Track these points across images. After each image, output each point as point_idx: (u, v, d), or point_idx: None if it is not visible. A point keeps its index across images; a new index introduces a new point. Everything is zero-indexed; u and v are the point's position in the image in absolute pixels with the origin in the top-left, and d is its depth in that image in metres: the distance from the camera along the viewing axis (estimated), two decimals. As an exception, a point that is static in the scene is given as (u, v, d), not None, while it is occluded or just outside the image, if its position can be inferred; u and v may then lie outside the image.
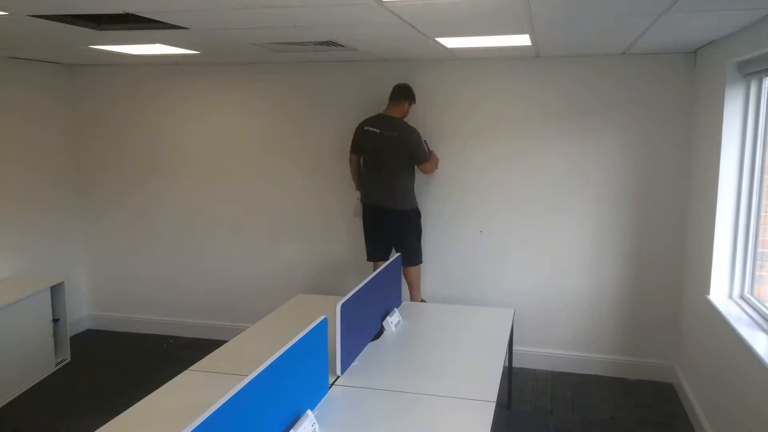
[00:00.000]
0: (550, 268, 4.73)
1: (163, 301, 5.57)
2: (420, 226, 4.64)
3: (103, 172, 5.54)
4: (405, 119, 4.48)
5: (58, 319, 4.85)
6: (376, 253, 4.64)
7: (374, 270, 4.41)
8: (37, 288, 4.61)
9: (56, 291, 4.82)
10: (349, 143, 4.77)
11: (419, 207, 4.65)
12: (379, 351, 3.26)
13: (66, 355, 4.95)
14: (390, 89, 4.65)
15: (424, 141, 4.53)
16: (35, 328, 4.59)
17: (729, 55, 3.47)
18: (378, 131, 4.38)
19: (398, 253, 4.17)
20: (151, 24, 3.07)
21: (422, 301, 4.72)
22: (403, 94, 4.45)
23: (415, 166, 4.52)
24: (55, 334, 4.81)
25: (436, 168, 4.66)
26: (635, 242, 4.57)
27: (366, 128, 4.44)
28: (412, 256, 4.57)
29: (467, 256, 4.89)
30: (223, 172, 5.29)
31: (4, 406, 4.20)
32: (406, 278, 4.65)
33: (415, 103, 4.54)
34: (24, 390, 4.42)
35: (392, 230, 4.52)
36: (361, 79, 4.88)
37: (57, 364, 4.82)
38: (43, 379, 4.61)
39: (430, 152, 4.60)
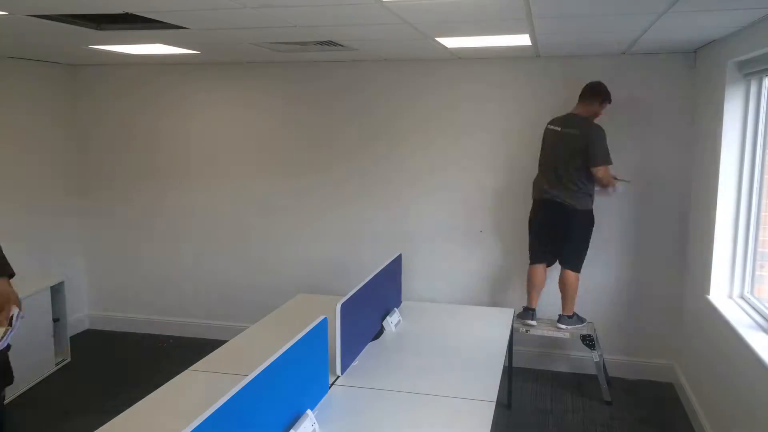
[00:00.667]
0: (550, 268, 4.72)
1: (163, 301, 5.57)
2: (590, 232, 4.30)
3: (103, 172, 5.53)
4: (595, 119, 4.16)
5: (58, 319, 4.83)
6: (541, 256, 4.39)
7: (532, 276, 4.35)
8: (37, 287, 4.59)
9: (56, 291, 4.82)
10: (351, 143, 4.75)
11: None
12: (379, 351, 3.26)
13: (66, 355, 4.93)
14: (392, 89, 4.65)
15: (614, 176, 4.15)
16: (35, 327, 4.56)
17: (729, 54, 3.47)
18: (559, 129, 4.16)
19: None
20: (151, 24, 3.07)
21: (571, 316, 4.40)
22: (590, 93, 4.14)
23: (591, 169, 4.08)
24: (55, 334, 4.81)
25: (612, 188, 4.16)
26: (635, 242, 4.57)
27: (548, 127, 4.25)
28: (574, 260, 4.32)
29: (467, 256, 4.88)
30: (223, 172, 5.28)
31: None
32: (562, 287, 4.38)
33: (609, 102, 4.17)
34: (24, 390, 4.41)
35: (562, 228, 4.26)
36: (364, 79, 4.88)
37: (57, 364, 4.81)
38: (43, 379, 4.60)
39: (614, 179, 4.17)
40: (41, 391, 4.44)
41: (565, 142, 4.13)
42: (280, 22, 3.05)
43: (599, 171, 4.06)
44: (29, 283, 4.66)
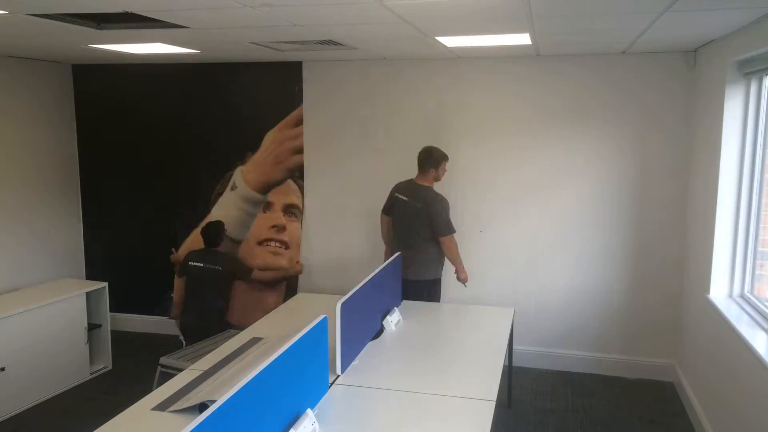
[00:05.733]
0: (550, 268, 4.73)
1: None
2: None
3: (103, 172, 5.54)
4: (434, 182, 4.21)
5: (100, 325, 4.77)
6: None
7: None
8: (70, 293, 4.51)
9: (99, 296, 4.79)
10: (349, 141, 4.73)
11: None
12: (379, 350, 3.26)
13: (107, 363, 4.82)
14: (390, 86, 4.62)
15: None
16: (65, 334, 4.44)
17: (729, 54, 3.47)
18: (406, 199, 4.20)
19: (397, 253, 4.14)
20: (151, 23, 3.07)
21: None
22: (424, 161, 4.17)
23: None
24: (97, 341, 4.76)
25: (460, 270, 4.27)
26: (636, 241, 4.57)
27: (396, 195, 4.29)
28: None
29: (467, 256, 4.86)
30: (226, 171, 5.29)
31: (22, 412, 4.12)
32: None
33: (446, 161, 4.20)
34: (46, 398, 4.29)
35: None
36: (362, 76, 4.88)
37: (93, 373, 4.67)
38: (73, 387, 4.47)
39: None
40: (67, 399, 4.31)
41: (410, 213, 4.16)
42: (279, 21, 3.05)
43: (446, 242, 4.15)
44: (64, 287, 4.65)
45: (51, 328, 4.34)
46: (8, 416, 4.04)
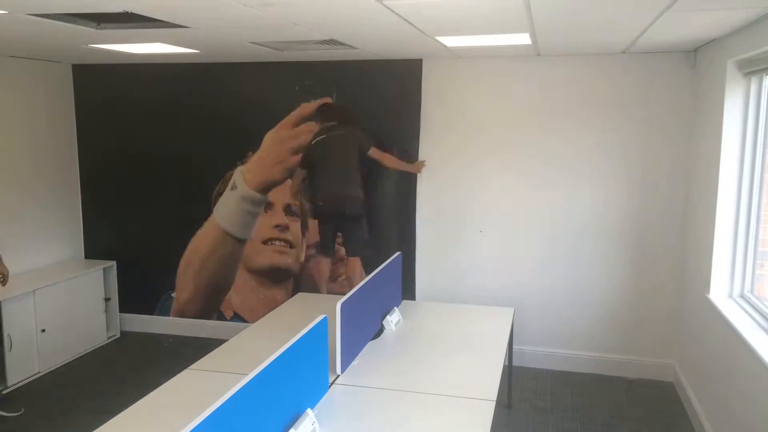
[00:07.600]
0: (550, 268, 4.73)
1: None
2: None
3: (103, 172, 5.53)
4: None
5: (110, 299, 5.42)
6: None
7: None
8: (89, 269, 5.24)
9: (108, 273, 5.44)
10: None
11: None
12: (379, 350, 3.26)
13: (116, 332, 5.51)
14: (393, 87, 4.63)
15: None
16: (89, 303, 5.20)
17: (729, 53, 3.47)
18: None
19: (398, 252, 4.14)
20: (151, 23, 3.07)
21: None
22: None
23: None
24: (108, 312, 5.39)
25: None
26: (636, 241, 4.57)
27: None
28: None
29: (467, 256, 4.88)
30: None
31: (60, 367, 4.82)
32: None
33: None
34: (77, 356, 5.04)
35: None
36: (363, 77, 4.88)
37: (109, 338, 5.41)
38: (96, 349, 5.22)
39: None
40: (92, 358, 5.03)
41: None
42: (280, 21, 3.05)
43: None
44: (85, 264, 5.38)
45: (77, 298, 5.06)
46: (49, 370, 4.75)
